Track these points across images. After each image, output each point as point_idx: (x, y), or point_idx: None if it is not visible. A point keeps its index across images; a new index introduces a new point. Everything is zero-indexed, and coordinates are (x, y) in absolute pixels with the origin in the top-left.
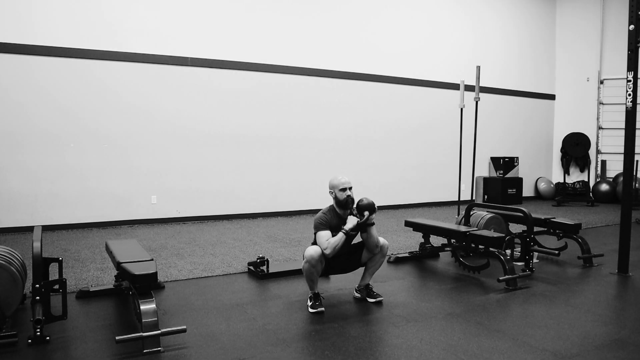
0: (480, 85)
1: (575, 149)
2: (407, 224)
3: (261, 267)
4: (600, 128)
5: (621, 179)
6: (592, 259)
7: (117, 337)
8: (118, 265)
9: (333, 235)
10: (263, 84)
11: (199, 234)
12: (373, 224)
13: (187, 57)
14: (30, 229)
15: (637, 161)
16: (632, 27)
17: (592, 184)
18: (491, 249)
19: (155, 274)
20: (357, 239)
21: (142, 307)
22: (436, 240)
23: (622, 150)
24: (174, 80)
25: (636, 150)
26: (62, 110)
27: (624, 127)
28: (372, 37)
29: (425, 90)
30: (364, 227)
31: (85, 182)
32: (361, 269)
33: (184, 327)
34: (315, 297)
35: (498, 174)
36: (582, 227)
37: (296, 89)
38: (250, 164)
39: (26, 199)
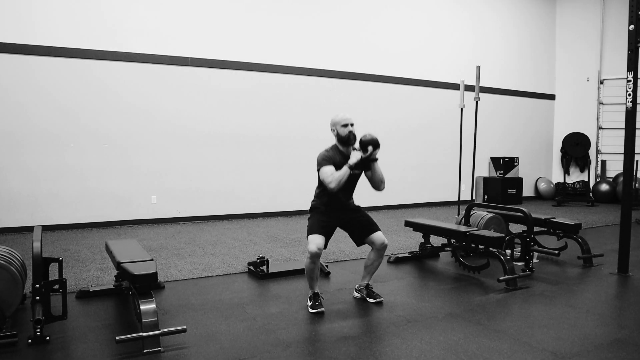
0: (480, 85)
1: (575, 149)
2: (407, 224)
3: (261, 267)
4: (600, 128)
5: (621, 179)
6: (592, 259)
7: (117, 337)
8: (118, 265)
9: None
10: (263, 84)
11: (199, 234)
12: (376, 159)
13: (187, 57)
14: (30, 229)
15: (637, 161)
16: (632, 27)
17: (592, 184)
18: (491, 249)
19: (155, 274)
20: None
21: (142, 307)
22: (436, 240)
23: (622, 150)
24: (174, 80)
25: (636, 150)
26: (62, 110)
27: (624, 127)
28: (372, 37)
29: (425, 90)
30: (367, 162)
31: (85, 182)
32: (361, 269)
33: (184, 327)
34: (315, 297)
35: (498, 174)
36: (582, 227)
37: (296, 89)
38: (250, 164)
39: (26, 199)
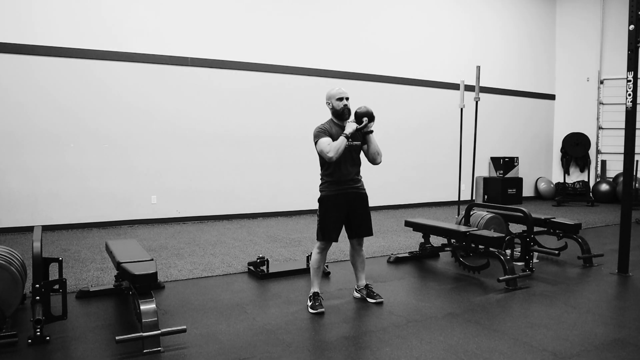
0: (480, 85)
1: (575, 149)
2: (407, 224)
3: (261, 267)
4: (600, 128)
5: (621, 179)
6: (592, 259)
7: (117, 337)
8: (118, 265)
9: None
10: (263, 84)
11: (199, 234)
12: (372, 131)
13: (187, 57)
14: (30, 229)
15: (637, 161)
16: (632, 27)
17: (592, 184)
18: (491, 249)
19: (155, 274)
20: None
21: (142, 307)
22: (436, 240)
23: (622, 150)
24: (174, 80)
25: (636, 150)
26: (62, 110)
27: (624, 127)
28: (372, 37)
29: (425, 90)
30: (363, 134)
31: (85, 182)
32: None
33: (184, 327)
34: (315, 297)
35: (498, 174)
36: (582, 227)
37: (296, 89)
38: (250, 164)
39: (26, 199)
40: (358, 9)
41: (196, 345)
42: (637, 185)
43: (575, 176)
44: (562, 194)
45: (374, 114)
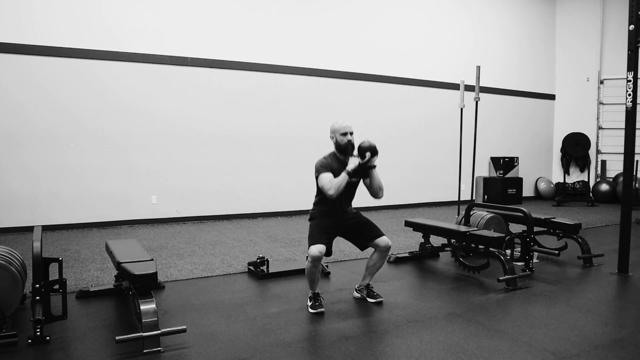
0: (480, 85)
1: (575, 149)
2: (407, 224)
3: (261, 267)
4: (600, 128)
5: (621, 179)
6: (592, 259)
7: (117, 337)
8: (118, 265)
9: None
10: (263, 84)
11: (199, 234)
12: (374, 166)
13: (187, 57)
14: (30, 229)
15: (637, 161)
16: (632, 27)
17: (592, 184)
18: (491, 249)
19: (155, 274)
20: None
21: (142, 307)
22: (436, 240)
23: (622, 150)
24: (174, 80)
25: (636, 150)
26: (62, 110)
27: (624, 127)
28: (372, 37)
29: (425, 90)
30: (365, 169)
31: (85, 182)
32: (362, 270)
33: (184, 327)
34: (315, 297)
35: (498, 174)
36: (582, 227)
37: (296, 89)
38: (250, 164)
39: (26, 199)
40: (358, 9)
41: (196, 345)
42: (637, 185)
43: (575, 176)
44: (562, 194)
45: (377, 148)
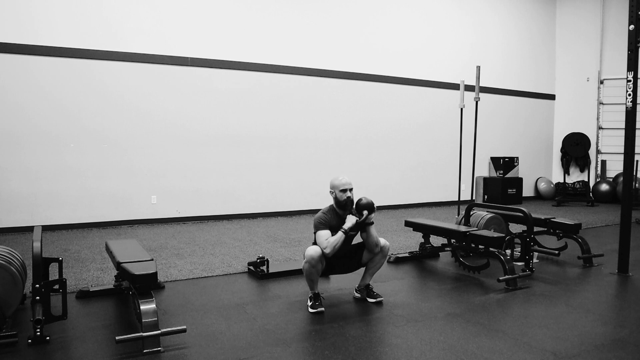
0: (480, 85)
1: (575, 149)
2: (407, 224)
3: (261, 267)
4: (600, 128)
5: (621, 179)
6: (592, 259)
7: (117, 337)
8: (118, 265)
9: (333, 235)
10: (263, 84)
11: (199, 234)
12: (372, 223)
13: (187, 57)
14: (30, 229)
15: (637, 161)
16: (632, 27)
17: (592, 184)
18: (491, 249)
19: (155, 274)
20: (358, 239)
21: (142, 307)
22: (436, 240)
23: (622, 150)
24: (174, 80)
25: (636, 150)
26: (62, 110)
27: (624, 127)
28: (372, 37)
29: (425, 90)
30: (363, 226)
31: (85, 182)
32: (362, 270)
33: (184, 327)
34: (315, 297)
35: (498, 174)
36: (582, 227)
37: (296, 89)
38: (250, 164)
39: (26, 199)
40: (358, 9)
41: (196, 345)
42: (637, 185)
43: (575, 176)
44: (562, 194)
45: (375, 206)
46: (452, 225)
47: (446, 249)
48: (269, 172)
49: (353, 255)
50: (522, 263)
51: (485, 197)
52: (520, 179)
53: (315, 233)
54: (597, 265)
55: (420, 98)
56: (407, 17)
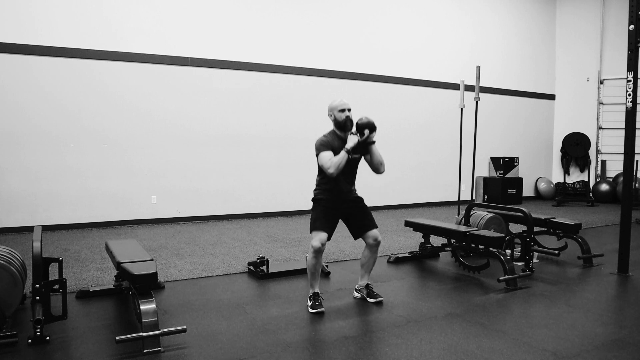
0: (480, 85)
1: (575, 149)
2: (407, 224)
3: (261, 267)
4: (600, 128)
5: (621, 179)
6: (592, 259)
7: (117, 337)
8: (118, 265)
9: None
10: (263, 84)
11: (199, 234)
12: (374, 142)
13: (187, 57)
14: (30, 229)
15: (637, 161)
16: (632, 27)
17: (592, 184)
18: (491, 249)
19: (155, 274)
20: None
21: (142, 307)
22: (436, 240)
23: (622, 150)
24: (174, 80)
25: (636, 150)
26: (62, 110)
27: (624, 127)
28: (372, 37)
29: (425, 90)
30: (365, 146)
31: (85, 182)
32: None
33: (184, 327)
34: (315, 297)
35: (498, 174)
36: (582, 227)
37: (296, 89)
38: (250, 164)
39: (26, 199)
40: (358, 9)
41: (196, 345)
42: (637, 185)
43: (575, 176)
44: (562, 194)
45: (375, 123)
46: (452, 225)
47: (446, 249)
48: (269, 172)
49: (362, 220)
50: (522, 263)
51: (485, 197)
52: (520, 179)
53: (317, 156)
54: (597, 265)
55: (420, 98)
56: (407, 17)
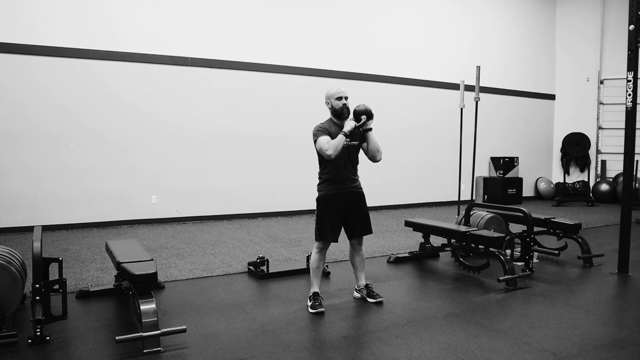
0: (480, 85)
1: (575, 149)
2: (407, 224)
3: (261, 267)
4: (600, 128)
5: (621, 179)
6: (592, 259)
7: (117, 337)
8: (118, 265)
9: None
10: (263, 84)
11: (199, 234)
12: (370, 129)
13: (187, 57)
14: (30, 229)
15: (637, 161)
16: (632, 27)
17: (592, 184)
18: (491, 249)
19: (155, 274)
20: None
21: (142, 307)
22: (436, 240)
23: (622, 150)
24: (174, 80)
25: (636, 150)
26: (62, 110)
27: (624, 127)
28: (372, 37)
29: (425, 90)
30: (362, 132)
31: (85, 182)
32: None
33: (184, 327)
34: (315, 297)
35: (498, 174)
36: (582, 227)
37: (296, 89)
38: (250, 164)
39: (26, 199)
40: (358, 9)
41: (196, 345)
42: (637, 185)
43: (575, 176)
44: (562, 194)
45: (373, 112)
46: (452, 225)
47: (446, 249)
48: (269, 172)
49: (358, 224)
50: (522, 263)
51: (485, 197)
52: (520, 179)
53: (315, 142)
54: (597, 265)
55: (420, 98)
56: (407, 17)
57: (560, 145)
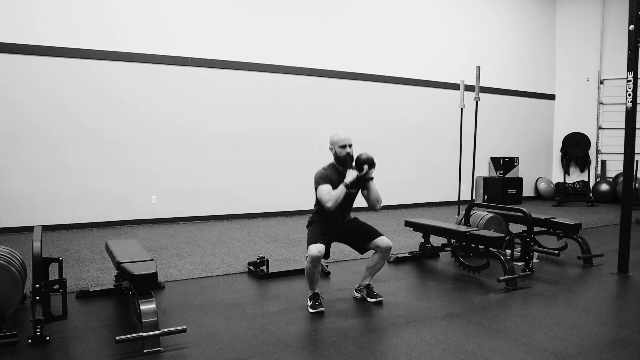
0: (480, 85)
1: (575, 149)
2: (407, 224)
3: (261, 267)
4: (600, 128)
5: (621, 179)
6: (592, 259)
7: (117, 337)
8: (118, 265)
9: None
10: (263, 84)
11: (199, 234)
12: (372, 178)
13: (187, 57)
14: (30, 229)
15: (637, 161)
16: (632, 27)
17: (592, 184)
18: (491, 249)
19: (155, 274)
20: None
21: (142, 307)
22: (436, 240)
23: (622, 150)
24: (174, 80)
25: (636, 150)
26: (62, 110)
27: (624, 127)
28: (372, 37)
29: (425, 90)
30: (363, 181)
31: (85, 182)
32: (362, 270)
33: (184, 327)
34: (315, 297)
35: (498, 174)
36: (582, 227)
37: (296, 89)
38: (250, 164)
39: (26, 199)
40: (358, 9)
41: (196, 345)
42: (637, 185)
43: (575, 176)
44: (562, 194)
45: (375, 160)
46: (452, 225)
47: (446, 249)
48: (269, 172)
49: (362, 234)
50: (522, 263)
51: (485, 197)
52: (520, 179)
53: (316, 189)
54: (597, 265)
55: (420, 98)
56: (407, 17)
57: (560, 145)
